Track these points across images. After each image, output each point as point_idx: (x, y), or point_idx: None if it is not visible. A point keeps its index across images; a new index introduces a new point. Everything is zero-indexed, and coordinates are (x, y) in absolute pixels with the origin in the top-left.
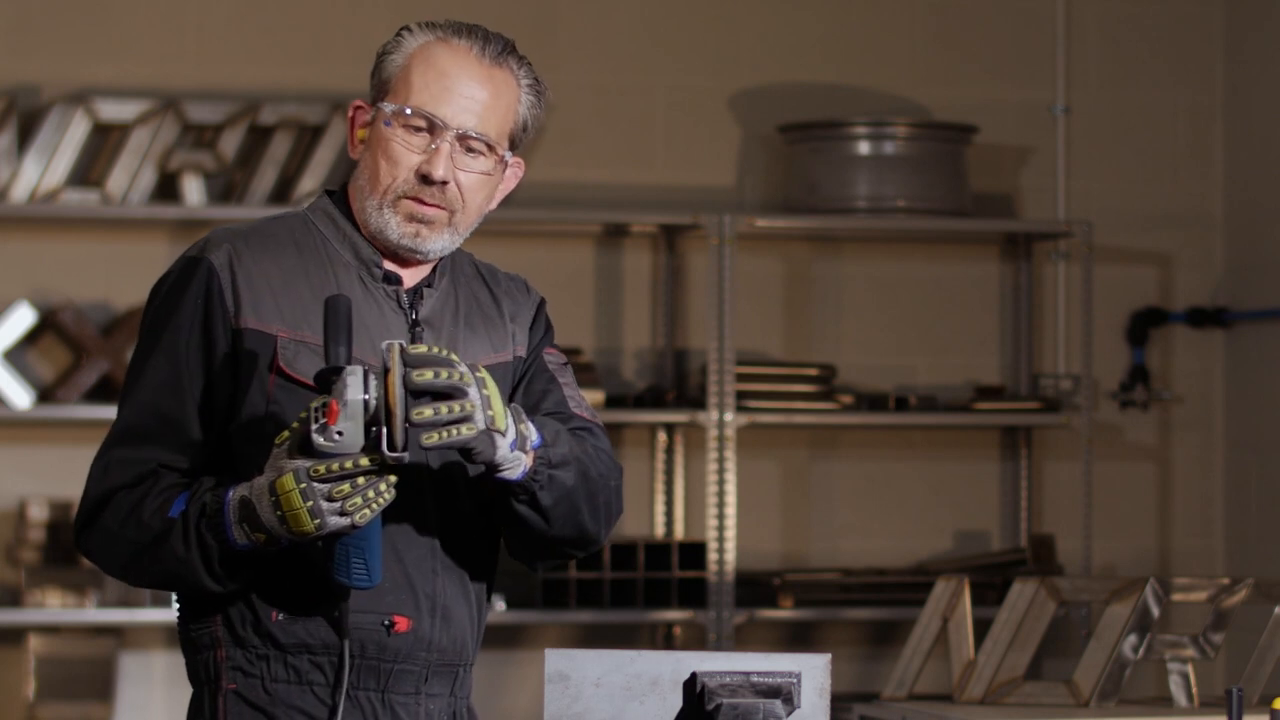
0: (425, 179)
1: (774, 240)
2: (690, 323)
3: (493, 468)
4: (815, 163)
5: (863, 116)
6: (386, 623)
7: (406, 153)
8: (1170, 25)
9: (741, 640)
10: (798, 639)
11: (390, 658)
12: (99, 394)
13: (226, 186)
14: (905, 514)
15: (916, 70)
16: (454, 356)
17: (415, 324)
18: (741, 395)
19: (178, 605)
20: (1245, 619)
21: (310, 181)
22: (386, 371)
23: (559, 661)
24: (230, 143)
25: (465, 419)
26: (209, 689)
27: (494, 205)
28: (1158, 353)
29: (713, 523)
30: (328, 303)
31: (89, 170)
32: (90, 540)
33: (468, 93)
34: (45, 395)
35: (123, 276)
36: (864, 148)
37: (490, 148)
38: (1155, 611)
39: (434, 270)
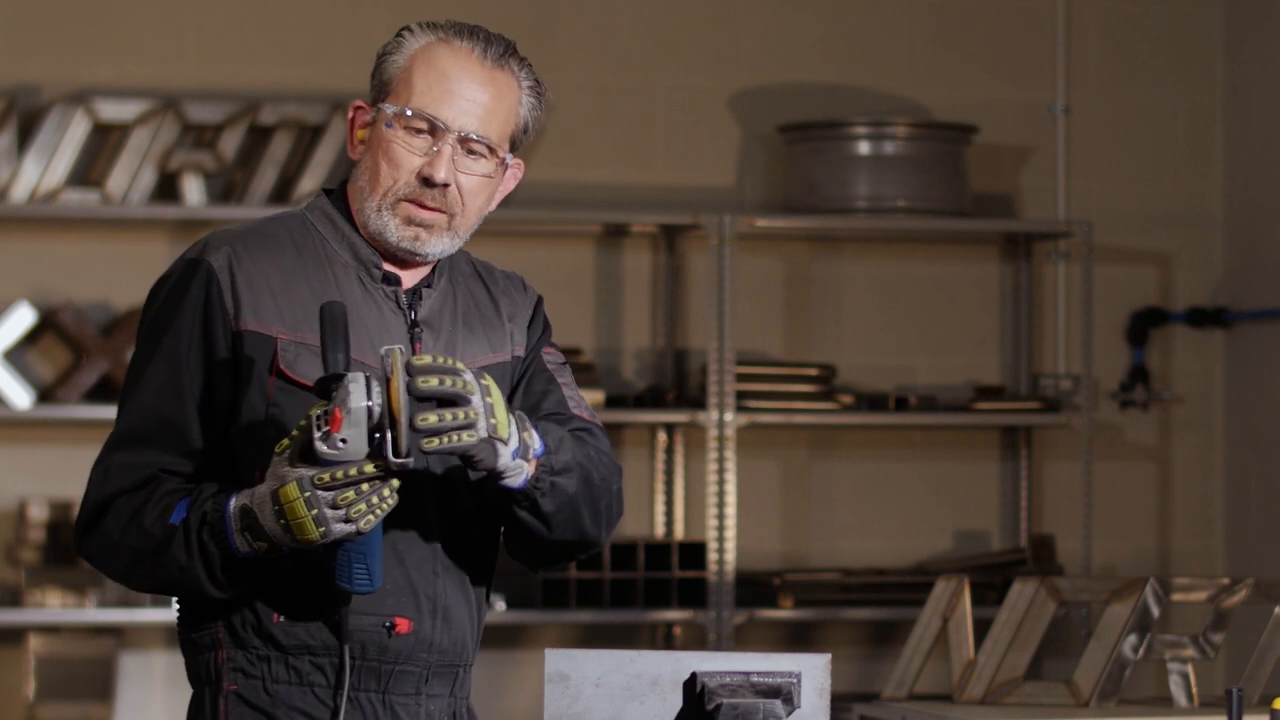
0: (426, 181)
1: (774, 240)
2: (690, 323)
3: (495, 475)
4: (815, 163)
5: (863, 116)
6: (387, 624)
7: (407, 155)
8: (1170, 25)
9: (741, 640)
10: (798, 639)
11: (391, 659)
12: (99, 394)
13: (226, 186)
14: (905, 514)
15: (916, 70)
16: (459, 364)
17: (414, 324)
18: (741, 395)
19: (177, 606)
20: (1245, 619)
21: (310, 181)
22: (388, 377)
23: (559, 661)
24: (230, 143)
25: (468, 426)
26: (210, 690)
27: (493, 207)
28: (1158, 353)
29: (713, 523)
30: (323, 310)
31: (89, 170)
32: (91, 545)
33: (469, 95)
34: (45, 395)
35: (123, 276)
36: (864, 148)
37: (491, 150)
38: (1155, 611)
39: (432, 270)
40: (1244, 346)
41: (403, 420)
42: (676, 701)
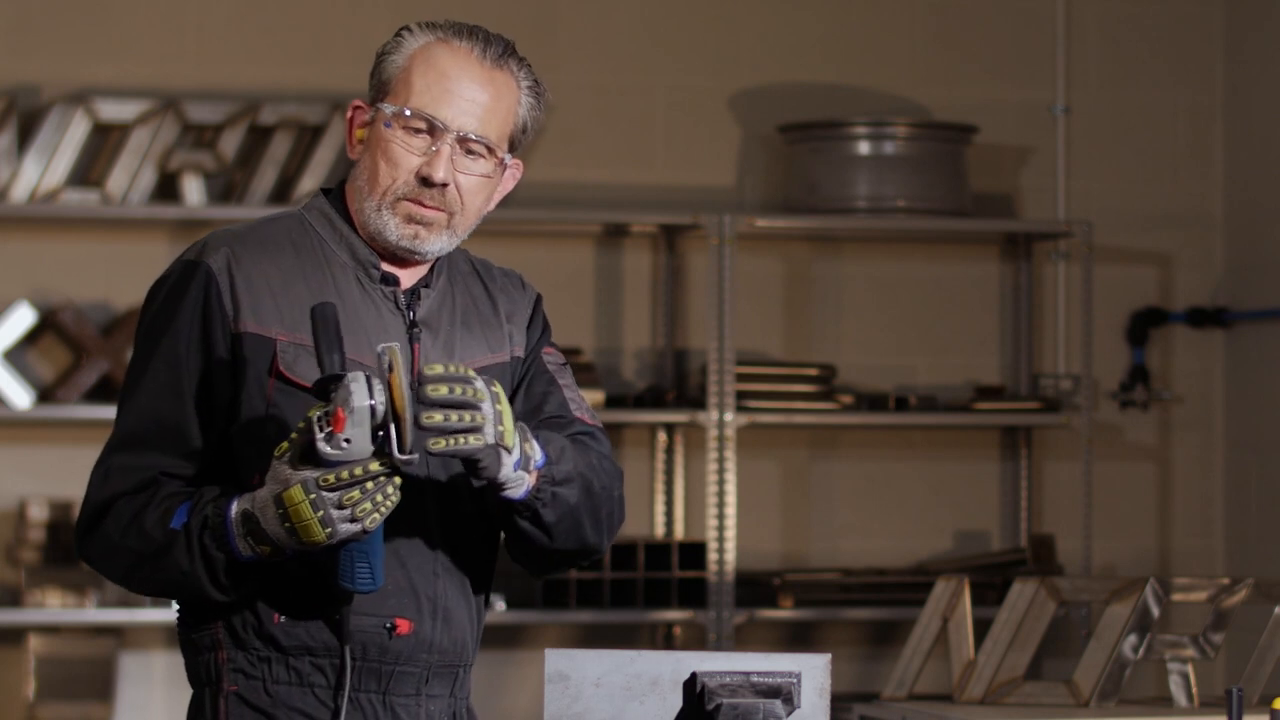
0: (425, 181)
1: (774, 240)
2: (690, 323)
3: (496, 486)
4: (815, 163)
5: (863, 116)
6: (388, 626)
7: (406, 154)
8: (1170, 25)
9: (741, 640)
10: (798, 639)
11: (391, 660)
12: (99, 394)
13: (226, 186)
14: (905, 514)
15: (916, 70)
16: (470, 372)
17: (413, 325)
18: (741, 395)
19: (177, 607)
20: (1245, 619)
21: (310, 181)
22: (388, 374)
23: (559, 661)
24: (230, 143)
25: (475, 429)
26: (210, 690)
27: (492, 207)
28: (1158, 353)
29: (713, 523)
30: (314, 312)
31: (89, 170)
32: (91, 548)
33: (468, 95)
34: (45, 395)
35: (123, 276)
36: (864, 148)
37: (490, 150)
38: (1155, 611)
39: (431, 270)
40: (1244, 346)
41: (406, 416)
42: (676, 701)
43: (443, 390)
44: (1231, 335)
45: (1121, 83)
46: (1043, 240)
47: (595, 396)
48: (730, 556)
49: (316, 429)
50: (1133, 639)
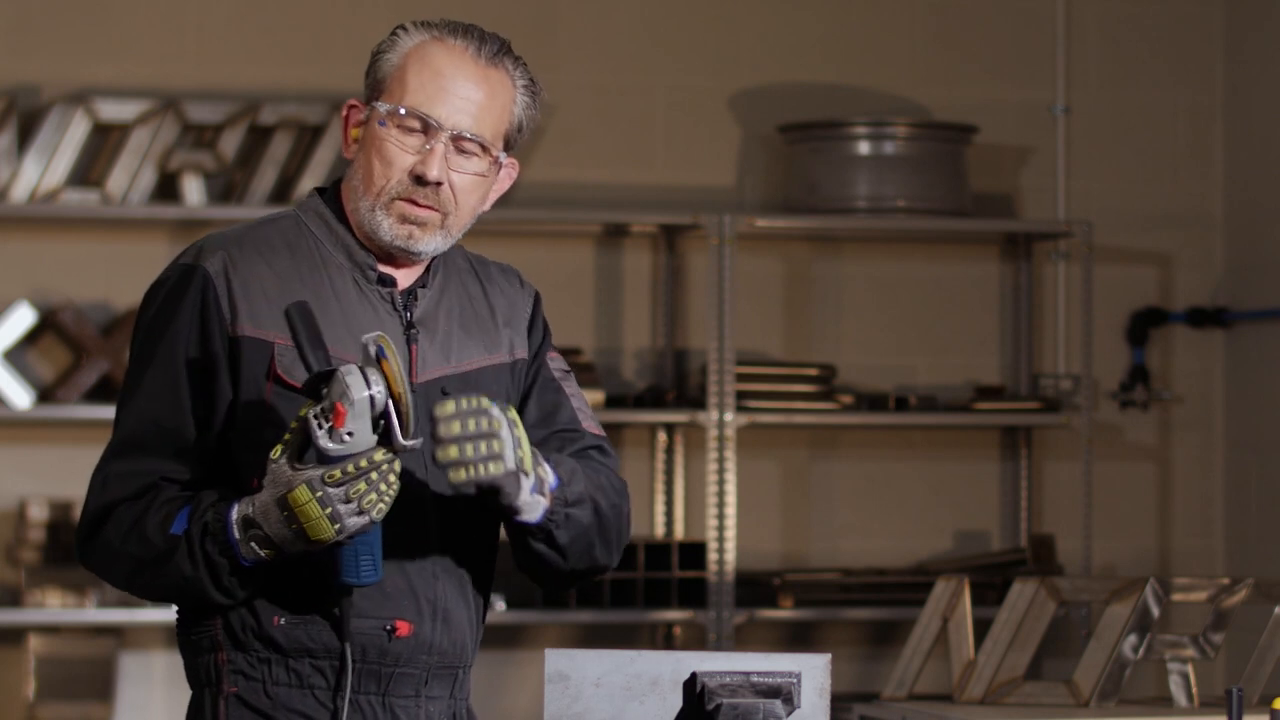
0: (419, 179)
1: (774, 240)
2: (690, 323)
3: (512, 510)
4: (815, 163)
5: (863, 116)
6: (388, 628)
7: (401, 153)
8: (1170, 25)
9: (741, 640)
10: (798, 639)
11: (391, 662)
12: (99, 394)
13: (226, 186)
14: (905, 514)
15: (916, 70)
16: (484, 401)
17: (410, 326)
18: (741, 395)
19: (176, 608)
20: (1245, 619)
21: (310, 181)
22: (379, 362)
23: (559, 661)
24: (230, 143)
25: (495, 457)
26: (210, 692)
27: (487, 206)
28: (1158, 353)
29: (713, 523)
30: (289, 312)
31: (89, 170)
32: (92, 554)
33: (463, 93)
34: (45, 395)
35: (123, 276)
36: (864, 148)
37: (485, 148)
38: (1155, 611)
39: (427, 270)
40: (1244, 346)
41: (406, 400)
42: (676, 701)
43: (455, 428)
44: (1231, 335)
45: (1121, 83)
46: (1043, 240)
47: (595, 396)
48: (730, 556)
49: (315, 426)
50: (1133, 639)
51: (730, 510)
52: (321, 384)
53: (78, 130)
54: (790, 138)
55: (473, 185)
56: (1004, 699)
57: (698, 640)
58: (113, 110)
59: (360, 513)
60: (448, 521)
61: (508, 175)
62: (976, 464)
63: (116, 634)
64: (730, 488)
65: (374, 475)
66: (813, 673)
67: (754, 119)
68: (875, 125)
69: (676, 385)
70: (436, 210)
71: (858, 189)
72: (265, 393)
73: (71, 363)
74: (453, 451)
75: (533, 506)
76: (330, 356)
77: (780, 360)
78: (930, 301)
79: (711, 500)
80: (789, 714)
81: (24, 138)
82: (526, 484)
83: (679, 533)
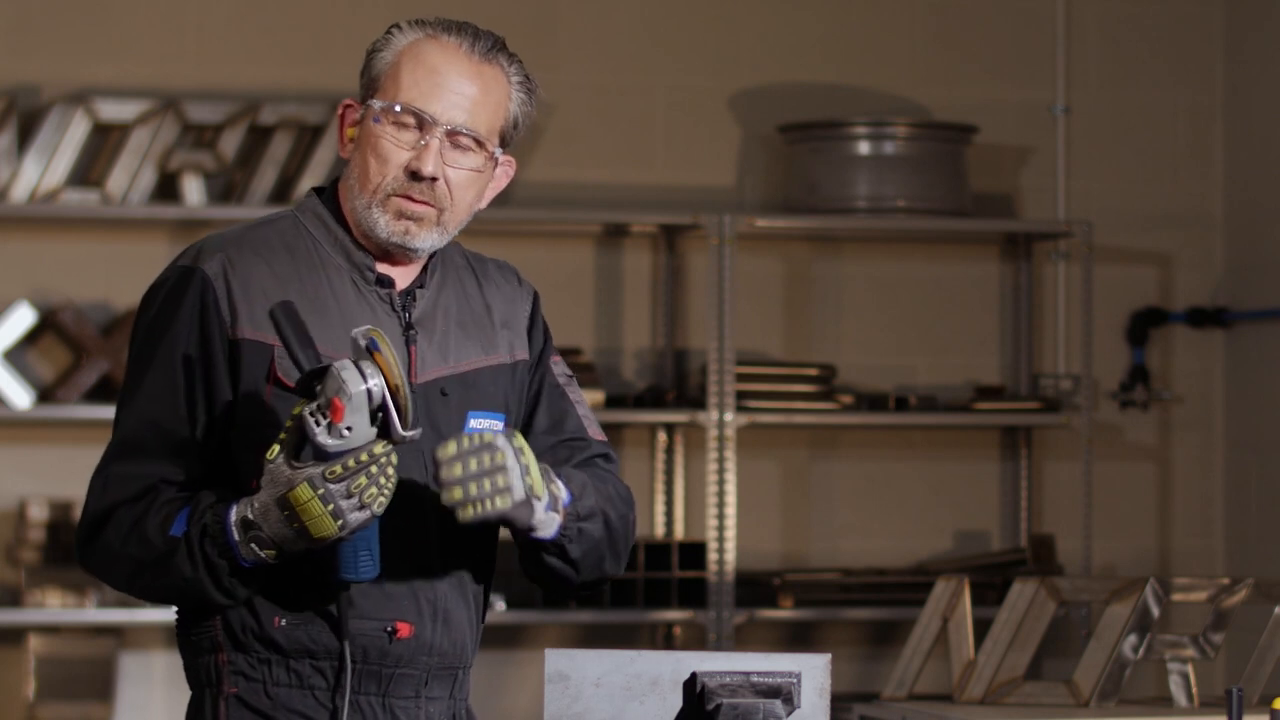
0: (415, 175)
1: (774, 240)
2: (690, 323)
3: (528, 529)
4: (815, 163)
5: (863, 116)
6: (389, 629)
7: (396, 149)
8: (1170, 25)
9: (741, 640)
10: (798, 639)
11: (391, 663)
12: (99, 394)
13: (226, 186)
14: (905, 514)
15: (916, 70)
16: (487, 436)
17: (409, 327)
18: (741, 395)
19: (176, 608)
20: (1245, 619)
21: (310, 181)
22: (370, 355)
23: (559, 661)
24: (230, 143)
25: (501, 491)
26: (210, 692)
27: (484, 204)
28: (1158, 353)
29: (713, 523)
30: (275, 313)
31: (89, 170)
32: (92, 557)
33: (457, 89)
34: (45, 395)
35: (123, 276)
36: (864, 148)
37: (480, 144)
38: (1155, 611)
39: (425, 270)
40: (1244, 346)
41: (404, 391)
42: (676, 701)
43: (458, 470)
44: (1231, 335)
45: (1121, 83)
46: (1043, 240)
47: (595, 396)
48: (730, 556)
49: (312, 423)
50: (1133, 639)
51: (730, 510)
52: (315, 381)
53: (78, 130)
54: (790, 138)
55: (469, 181)
56: (1004, 699)
57: (698, 640)
58: (113, 110)
59: (362, 507)
60: (448, 523)
61: (504, 173)
62: (976, 464)
63: (116, 634)
64: (730, 488)
65: (374, 469)
66: (813, 673)
67: (754, 119)
68: (875, 125)
69: (676, 385)
70: (432, 206)
71: (858, 189)
72: (265, 395)
73: (71, 363)
74: (457, 493)
75: (547, 524)
76: (320, 354)
77: (780, 360)
78: (930, 301)
79: (711, 500)
80: (789, 714)
81: (24, 138)
82: (540, 505)
83: (679, 533)
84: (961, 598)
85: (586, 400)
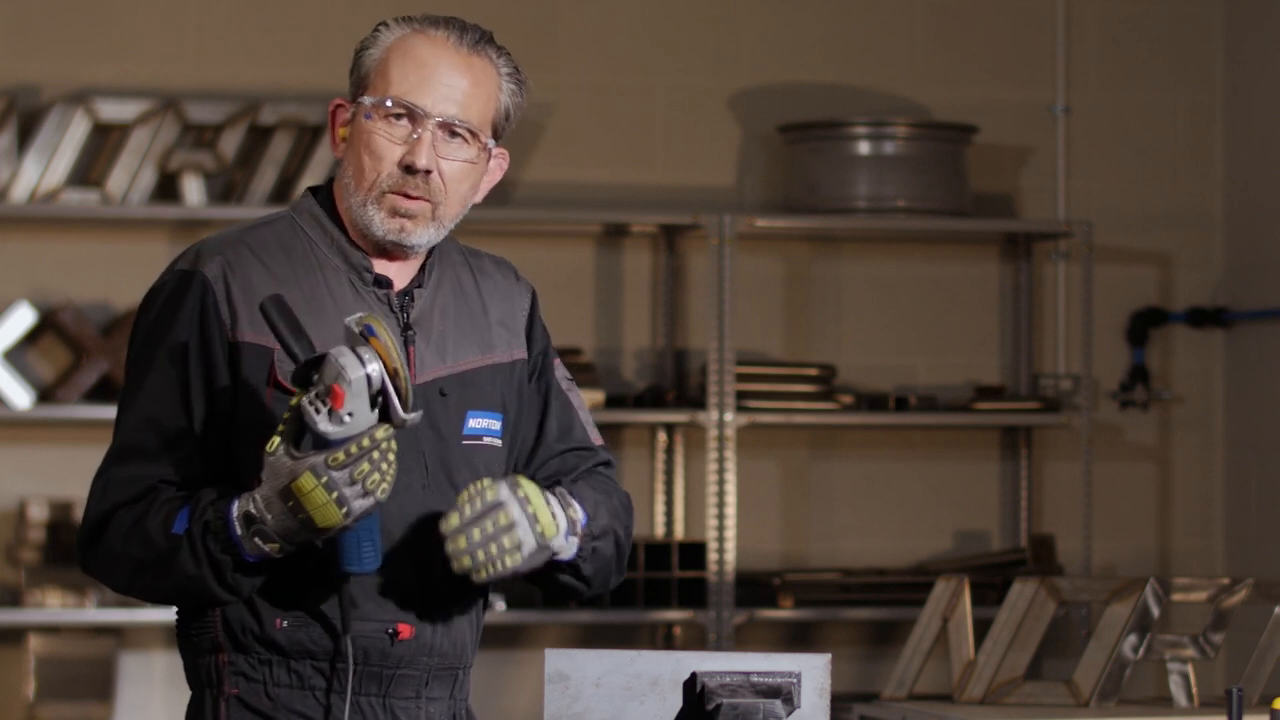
0: (409, 169)
1: (774, 240)
2: (690, 323)
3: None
4: (815, 163)
5: (863, 116)
6: (390, 631)
7: (389, 145)
8: (1170, 25)
9: (741, 640)
10: (798, 639)
11: (392, 664)
12: (99, 394)
13: (226, 186)
14: (905, 514)
15: (916, 70)
16: (488, 494)
17: (408, 327)
18: (741, 395)
19: (176, 608)
20: (1245, 619)
21: (310, 181)
22: (367, 340)
23: (559, 661)
24: (230, 143)
25: (512, 550)
26: (210, 693)
27: (479, 197)
28: (1158, 353)
29: (713, 523)
30: (264, 307)
31: (89, 170)
32: (94, 559)
33: (448, 81)
34: (45, 395)
35: (123, 276)
36: (864, 148)
37: (473, 134)
38: (1155, 611)
39: (423, 269)
40: (1244, 346)
41: (402, 374)
42: (676, 701)
43: (463, 542)
44: (1231, 335)
45: (1121, 83)
46: (1043, 240)
47: (595, 396)
48: (730, 556)
49: (311, 411)
50: (1133, 639)
51: (730, 510)
52: (312, 370)
53: (78, 130)
54: (790, 138)
55: (463, 173)
56: (1004, 699)
57: (698, 640)
58: (113, 110)
59: (366, 494)
60: None
61: (498, 165)
62: (976, 464)
63: (116, 634)
64: (730, 488)
65: (376, 454)
66: (813, 673)
67: (754, 119)
68: (875, 125)
69: (676, 385)
70: (427, 201)
71: (858, 189)
72: (266, 398)
73: (71, 363)
74: (466, 561)
75: (567, 548)
76: (313, 345)
77: (780, 360)
78: (930, 301)
79: (711, 500)
80: (789, 714)
81: (24, 138)
82: (557, 540)
83: (679, 533)
84: (961, 598)
85: (585, 402)
